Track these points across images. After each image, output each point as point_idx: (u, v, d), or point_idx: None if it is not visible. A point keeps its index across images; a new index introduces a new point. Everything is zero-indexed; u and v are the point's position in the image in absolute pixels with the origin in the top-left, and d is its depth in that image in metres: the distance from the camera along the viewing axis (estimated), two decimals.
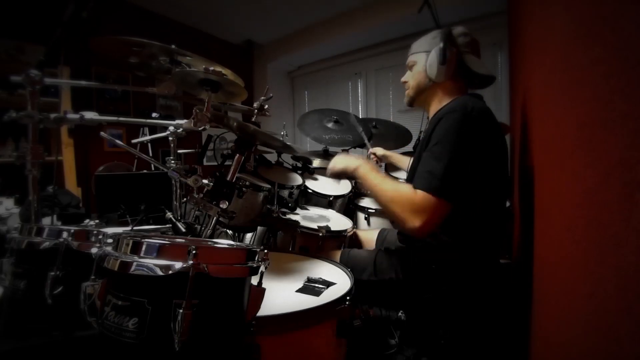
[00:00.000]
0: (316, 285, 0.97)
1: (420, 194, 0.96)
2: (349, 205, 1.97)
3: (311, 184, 1.91)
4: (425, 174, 0.97)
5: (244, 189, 1.29)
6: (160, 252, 0.62)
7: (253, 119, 1.50)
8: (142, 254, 0.62)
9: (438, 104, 1.17)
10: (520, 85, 1.66)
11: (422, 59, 1.17)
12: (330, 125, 2.22)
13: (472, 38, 1.15)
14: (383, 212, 1.16)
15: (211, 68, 1.05)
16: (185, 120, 1.22)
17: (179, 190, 1.46)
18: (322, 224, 1.53)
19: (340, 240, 1.55)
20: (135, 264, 0.61)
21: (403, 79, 1.27)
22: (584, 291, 0.49)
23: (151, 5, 3.62)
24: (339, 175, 1.22)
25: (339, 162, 1.20)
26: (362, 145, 2.11)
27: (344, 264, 1.14)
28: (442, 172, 0.95)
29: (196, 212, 1.41)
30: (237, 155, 1.16)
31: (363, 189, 1.21)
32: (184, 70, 1.22)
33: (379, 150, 1.90)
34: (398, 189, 1.01)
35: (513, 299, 1.27)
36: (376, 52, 3.92)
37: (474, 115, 0.99)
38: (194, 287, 0.58)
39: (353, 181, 1.99)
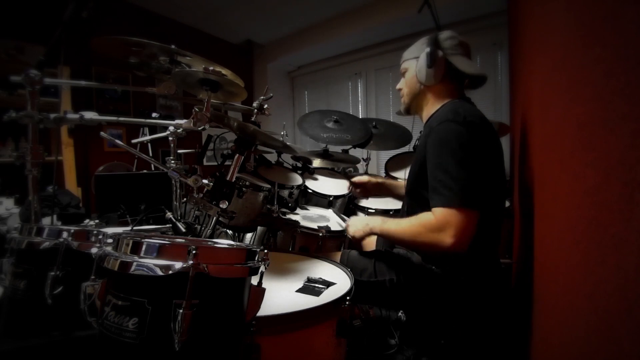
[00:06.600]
0: (316, 285, 0.97)
1: (438, 212, 0.96)
2: (349, 205, 1.97)
3: (311, 184, 1.91)
4: (439, 190, 0.97)
5: (244, 189, 1.29)
6: (160, 252, 0.62)
7: (253, 119, 1.49)
8: (142, 254, 0.62)
9: (430, 107, 1.19)
10: (520, 85, 1.66)
11: (413, 65, 1.19)
12: (330, 124, 2.22)
13: (461, 40, 1.17)
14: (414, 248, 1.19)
15: (211, 68, 1.05)
16: (185, 120, 1.22)
17: (179, 190, 1.45)
18: (322, 224, 1.53)
19: (340, 241, 1.55)
20: (135, 264, 0.61)
21: (398, 86, 1.30)
22: (584, 291, 0.49)
23: (151, 5, 3.62)
24: (363, 238, 1.29)
25: (357, 230, 1.23)
26: (362, 145, 2.10)
27: (344, 265, 1.14)
28: (454, 183, 0.95)
29: (196, 212, 1.41)
30: (237, 155, 1.16)
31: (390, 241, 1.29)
32: (184, 70, 1.22)
33: (364, 178, 1.59)
34: (415, 221, 1.03)
35: (513, 299, 1.27)
36: (376, 52, 3.91)
37: (466, 120, 1.00)
38: (194, 287, 0.58)
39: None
